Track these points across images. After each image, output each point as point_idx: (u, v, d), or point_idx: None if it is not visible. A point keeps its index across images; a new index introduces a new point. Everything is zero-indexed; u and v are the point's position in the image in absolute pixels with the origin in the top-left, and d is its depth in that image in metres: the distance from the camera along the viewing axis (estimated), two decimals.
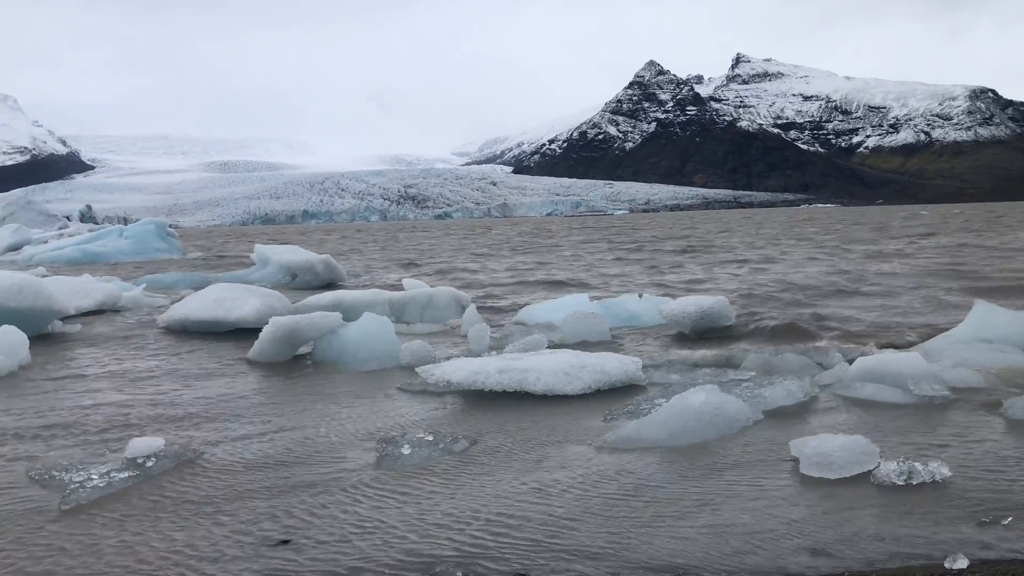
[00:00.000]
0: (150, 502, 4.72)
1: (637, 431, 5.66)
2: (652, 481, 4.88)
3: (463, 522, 4.30)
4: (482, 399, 7.06)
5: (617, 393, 7.17)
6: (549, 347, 9.01)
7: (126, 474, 5.03)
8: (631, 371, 7.50)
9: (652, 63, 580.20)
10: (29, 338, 9.68)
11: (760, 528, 4.14)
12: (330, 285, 18.61)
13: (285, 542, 4.12)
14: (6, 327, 9.48)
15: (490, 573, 3.73)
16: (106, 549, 4.09)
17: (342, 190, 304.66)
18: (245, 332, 11.14)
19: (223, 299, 11.97)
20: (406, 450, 5.40)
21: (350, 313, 10.76)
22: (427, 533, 4.17)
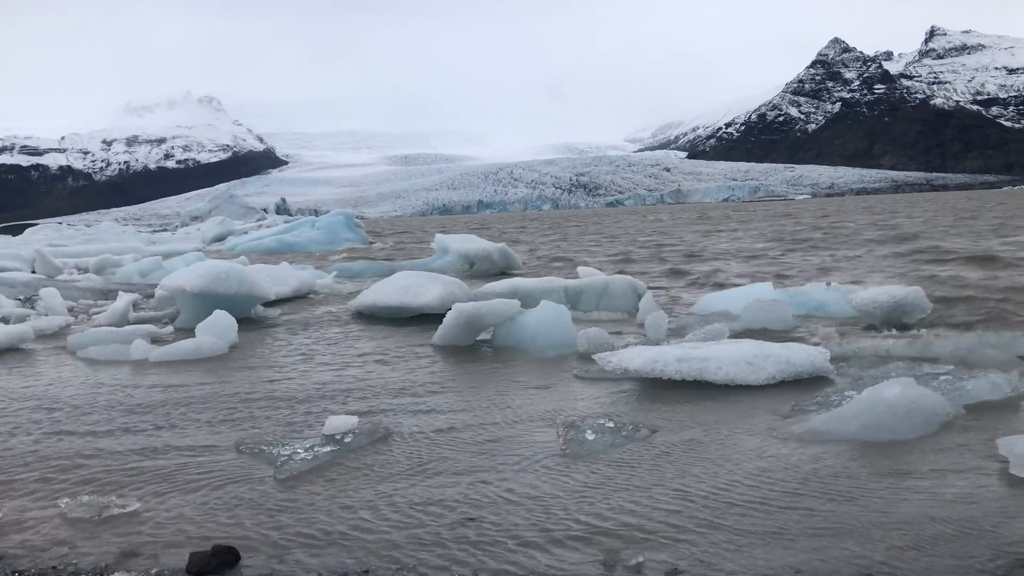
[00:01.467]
0: (349, 475, 5.04)
1: (826, 424, 5.45)
2: (841, 477, 4.69)
3: (645, 511, 4.31)
4: (660, 387, 7.02)
5: (803, 385, 6.93)
6: (730, 336, 8.82)
7: (328, 449, 5.41)
8: (818, 362, 7.22)
9: (836, 40, 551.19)
10: (236, 321, 10.51)
11: (963, 533, 3.89)
12: (505, 272, 19.00)
13: (471, 520, 4.28)
14: (218, 311, 10.35)
15: (672, 564, 3.72)
16: (315, 515, 4.42)
17: (515, 180, 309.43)
18: (428, 318, 11.58)
19: (408, 286, 12.50)
20: (589, 436, 5.47)
21: (526, 300, 10.96)
22: (609, 520, 4.21)
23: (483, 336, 9.90)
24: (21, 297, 16.26)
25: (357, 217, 43.58)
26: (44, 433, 6.33)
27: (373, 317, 12.57)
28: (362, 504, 4.55)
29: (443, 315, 9.97)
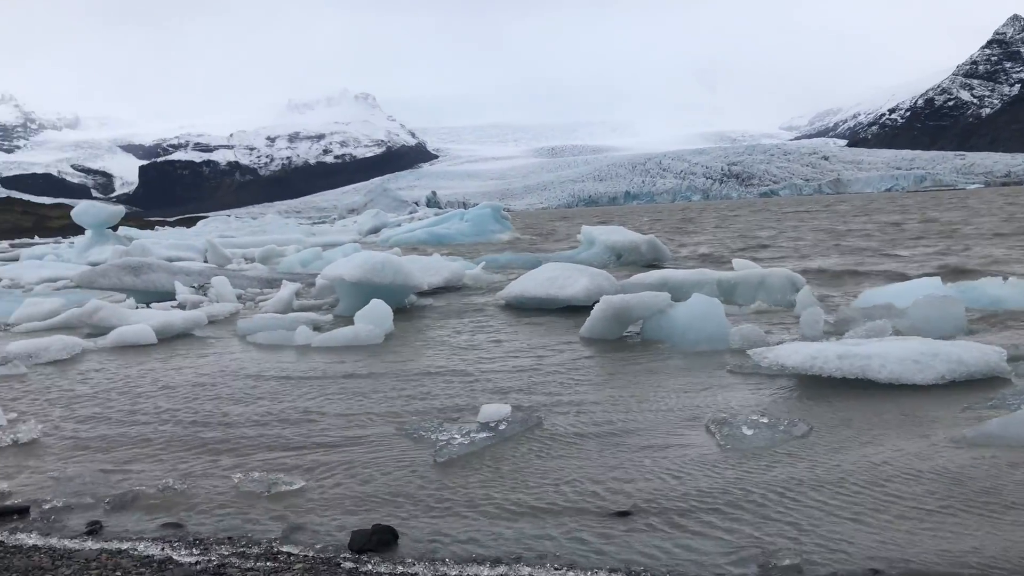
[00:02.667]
0: (505, 462, 5.13)
1: (1003, 429, 5.08)
2: (1021, 485, 4.37)
3: (807, 510, 4.16)
4: (818, 385, 6.75)
5: (975, 386, 6.50)
6: (893, 333, 8.38)
7: (483, 435, 5.54)
8: (993, 362, 6.74)
9: (1016, 17, 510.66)
10: (392, 310, 10.89)
11: None
12: (654, 265, 18.78)
13: (625, 513, 4.25)
14: (375, 301, 10.75)
15: (832, 569, 3.57)
16: (472, 500, 4.51)
17: (664, 170, 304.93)
18: (575, 309, 11.61)
19: (555, 278, 12.57)
20: (747, 432, 5.33)
21: (677, 292, 10.78)
22: (768, 520, 4.09)
23: (631, 329, 9.83)
24: (195, 285, 17.47)
25: (504, 209, 44.16)
26: (217, 413, 6.78)
27: (520, 308, 12.71)
28: (517, 492, 4.61)
29: (590, 307, 9.96)
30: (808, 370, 6.81)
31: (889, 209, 57.75)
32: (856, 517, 4.04)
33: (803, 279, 12.03)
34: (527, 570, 3.68)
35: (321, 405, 6.85)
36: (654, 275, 12.69)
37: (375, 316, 10.44)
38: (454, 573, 3.68)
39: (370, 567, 3.77)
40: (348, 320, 11.06)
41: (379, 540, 3.99)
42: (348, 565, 3.80)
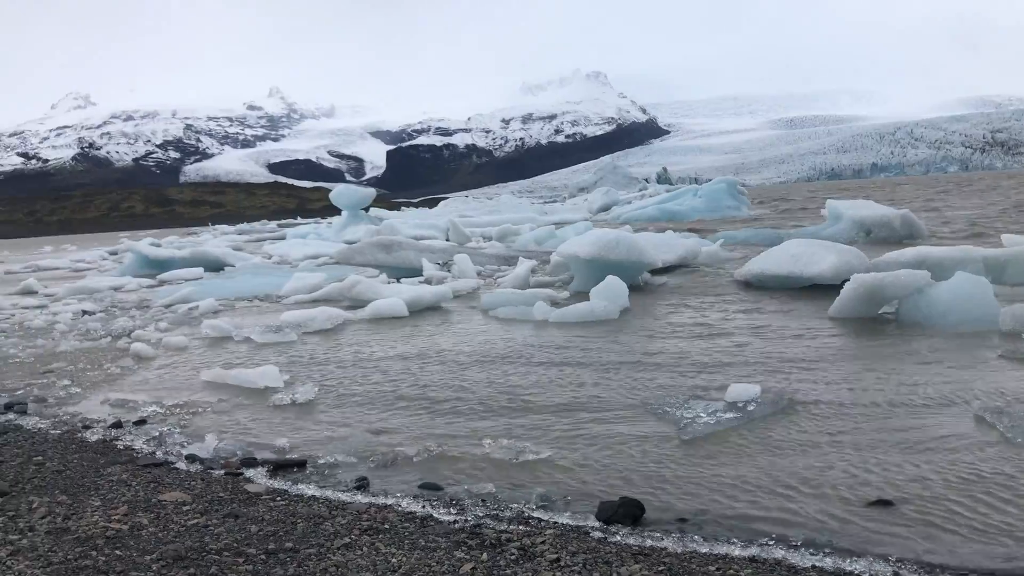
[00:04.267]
0: (754, 443, 5.02)
1: None
2: None
3: None
4: None
5: None
6: None
7: (731, 415, 5.44)
8: None
9: None
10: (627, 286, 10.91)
11: None
12: (908, 241, 17.49)
13: (885, 502, 4.01)
14: (611, 277, 10.83)
15: None
16: (720, 480, 4.46)
17: (915, 140, 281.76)
18: (820, 288, 11.08)
19: (799, 255, 12.02)
20: None
21: (936, 271, 9.97)
22: None
23: (886, 309, 9.23)
24: (439, 262, 18.45)
25: (739, 184, 42.74)
26: (466, 382, 7.13)
27: (761, 286, 12.30)
28: (768, 473, 4.49)
29: (837, 286, 9.48)
30: None
31: None
32: None
33: None
34: (780, 553, 3.57)
35: (561, 377, 7.01)
36: (910, 252, 11.77)
37: (610, 292, 10.52)
38: (704, 550, 3.64)
39: (619, 538, 3.82)
40: (583, 296, 11.22)
41: (626, 512, 4.04)
42: (597, 535, 3.87)
